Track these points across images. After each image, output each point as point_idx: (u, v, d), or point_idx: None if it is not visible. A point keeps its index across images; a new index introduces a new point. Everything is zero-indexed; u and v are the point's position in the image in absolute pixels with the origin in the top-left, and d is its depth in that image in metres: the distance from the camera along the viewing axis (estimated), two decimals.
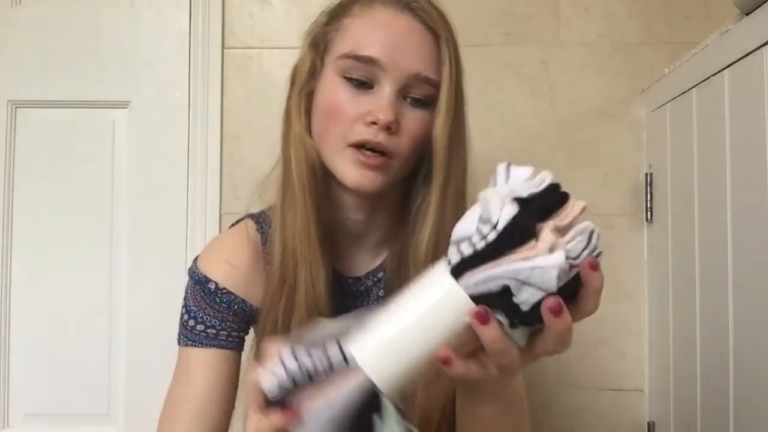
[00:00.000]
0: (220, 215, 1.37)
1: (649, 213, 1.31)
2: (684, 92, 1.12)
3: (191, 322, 0.80)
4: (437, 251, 0.72)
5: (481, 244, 0.47)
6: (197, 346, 0.80)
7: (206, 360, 0.78)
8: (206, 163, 1.37)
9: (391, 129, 0.70)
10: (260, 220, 0.85)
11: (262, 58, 1.39)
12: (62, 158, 1.38)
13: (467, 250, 0.47)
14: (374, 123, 0.70)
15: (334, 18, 0.76)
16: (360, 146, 0.71)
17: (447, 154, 0.73)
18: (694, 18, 1.34)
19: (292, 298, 0.75)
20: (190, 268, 0.83)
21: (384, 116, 0.69)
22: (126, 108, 1.39)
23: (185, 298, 0.82)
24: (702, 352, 1.05)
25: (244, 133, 1.38)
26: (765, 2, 0.83)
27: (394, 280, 0.77)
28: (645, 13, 1.35)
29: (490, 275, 0.46)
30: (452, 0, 1.34)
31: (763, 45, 0.83)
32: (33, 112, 1.39)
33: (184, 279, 1.35)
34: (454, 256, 0.48)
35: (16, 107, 1.39)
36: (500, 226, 0.47)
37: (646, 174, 1.31)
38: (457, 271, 0.47)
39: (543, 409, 1.34)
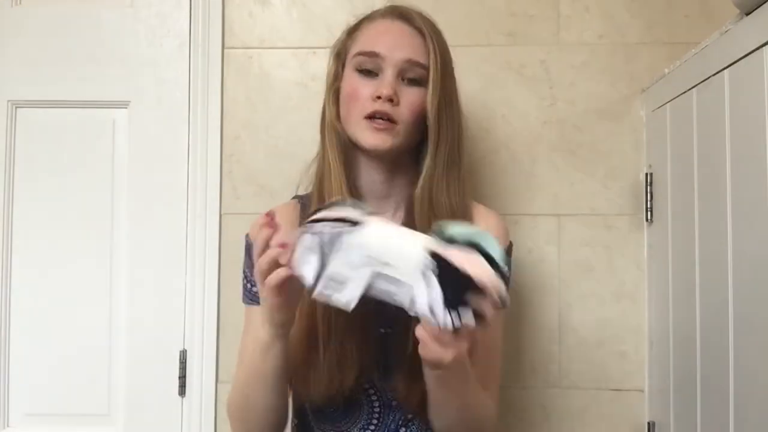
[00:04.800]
0: (220, 215, 1.37)
1: (649, 213, 1.31)
2: (684, 92, 1.12)
3: (248, 285, 1.00)
4: (431, 199, 0.96)
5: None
6: (254, 304, 0.95)
7: (259, 315, 0.93)
8: (206, 163, 1.37)
9: (393, 101, 0.93)
10: (303, 199, 1.06)
11: (262, 58, 1.39)
12: (62, 158, 1.38)
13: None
14: (379, 97, 0.93)
15: (350, 34, 1.02)
16: (372, 117, 0.93)
17: (437, 121, 0.95)
18: (694, 18, 1.34)
19: None
20: (245, 238, 1.03)
21: (386, 91, 0.93)
22: (126, 108, 1.39)
23: (243, 265, 1.02)
24: (702, 352, 1.05)
25: (244, 133, 1.38)
26: (765, 2, 0.83)
27: None
28: (645, 13, 1.35)
29: None
30: (454, 1, 1.35)
31: (763, 45, 0.83)
32: (33, 112, 1.39)
33: (184, 279, 1.36)
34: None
35: (16, 107, 1.39)
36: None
37: (646, 174, 1.31)
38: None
39: (543, 409, 1.34)
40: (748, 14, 0.88)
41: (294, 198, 1.08)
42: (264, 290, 0.79)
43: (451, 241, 0.73)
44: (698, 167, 1.06)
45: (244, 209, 1.37)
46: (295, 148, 1.36)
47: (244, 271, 1.02)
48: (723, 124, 0.95)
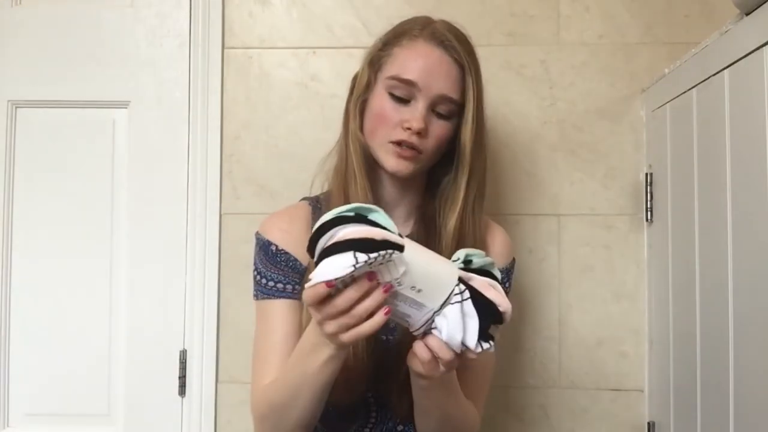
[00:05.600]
0: (220, 215, 1.37)
1: (649, 213, 1.31)
2: (684, 92, 1.12)
3: (263, 280, 0.99)
4: (462, 230, 0.97)
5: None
6: (270, 298, 0.98)
7: (279, 309, 0.97)
8: (206, 163, 1.37)
9: (421, 134, 0.94)
10: (312, 200, 1.06)
11: (262, 58, 1.39)
12: (62, 158, 1.38)
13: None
14: (409, 128, 0.93)
15: (387, 45, 0.99)
16: (398, 143, 0.94)
17: (471, 156, 0.97)
18: (694, 18, 1.34)
19: None
20: (256, 235, 1.02)
21: (417, 124, 0.93)
22: (126, 108, 1.39)
23: (254, 261, 1.01)
24: (702, 352, 1.05)
25: (244, 133, 1.38)
26: (765, 2, 0.83)
27: (420, 244, 0.97)
28: (645, 13, 1.35)
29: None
30: (454, 1, 1.35)
31: (763, 45, 0.83)
32: (33, 112, 1.39)
33: (184, 279, 1.37)
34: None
35: (16, 107, 1.39)
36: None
37: (646, 174, 1.32)
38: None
39: (543, 409, 1.34)
40: (748, 14, 0.88)
41: (303, 200, 1.07)
42: (348, 334, 0.74)
43: (467, 263, 0.77)
44: (698, 167, 1.06)
45: (244, 209, 1.37)
46: (295, 148, 1.36)
47: (256, 266, 1.01)
48: (723, 124, 0.95)
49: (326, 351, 0.80)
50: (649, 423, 1.31)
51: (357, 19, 1.37)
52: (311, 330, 0.82)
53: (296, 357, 0.86)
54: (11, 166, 1.38)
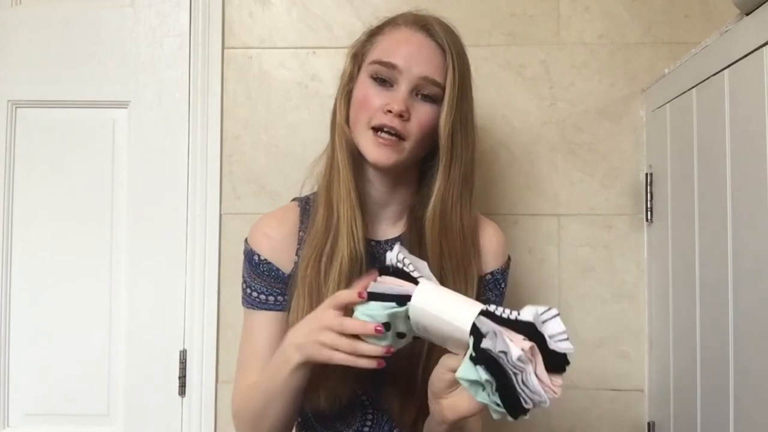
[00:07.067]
0: (220, 215, 1.37)
1: (649, 213, 1.31)
2: (684, 92, 1.12)
3: (248, 290, 1.00)
4: (444, 220, 0.95)
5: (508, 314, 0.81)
6: (254, 309, 0.99)
7: (262, 320, 0.99)
8: (206, 163, 1.37)
9: (403, 117, 0.91)
10: (302, 201, 1.04)
11: (262, 58, 1.39)
12: (62, 158, 1.38)
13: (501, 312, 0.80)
14: (390, 111, 0.90)
15: (371, 36, 0.99)
16: (379, 129, 0.91)
17: (450, 141, 0.93)
18: (694, 18, 1.34)
19: (336, 242, 0.94)
20: (244, 242, 1.02)
21: (397, 106, 0.90)
22: (126, 108, 1.39)
23: (243, 269, 1.02)
24: (702, 352, 1.05)
25: (244, 133, 1.38)
26: (765, 2, 0.83)
27: (411, 245, 0.95)
28: (645, 13, 1.35)
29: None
30: (455, 1, 1.35)
31: (763, 45, 0.83)
32: (33, 112, 1.39)
33: (184, 279, 1.36)
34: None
35: (16, 107, 1.39)
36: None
37: (646, 174, 1.32)
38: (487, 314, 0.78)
39: (543, 409, 1.34)
40: (748, 14, 0.89)
41: (293, 200, 1.06)
42: (336, 356, 0.79)
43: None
44: (698, 167, 1.06)
45: (244, 209, 1.37)
46: (295, 148, 1.36)
47: (243, 275, 1.01)
48: (723, 124, 0.95)
49: (296, 358, 0.84)
50: (649, 423, 1.31)
51: (357, 19, 1.37)
52: (287, 338, 0.86)
53: (271, 366, 0.89)
54: (11, 166, 1.38)
